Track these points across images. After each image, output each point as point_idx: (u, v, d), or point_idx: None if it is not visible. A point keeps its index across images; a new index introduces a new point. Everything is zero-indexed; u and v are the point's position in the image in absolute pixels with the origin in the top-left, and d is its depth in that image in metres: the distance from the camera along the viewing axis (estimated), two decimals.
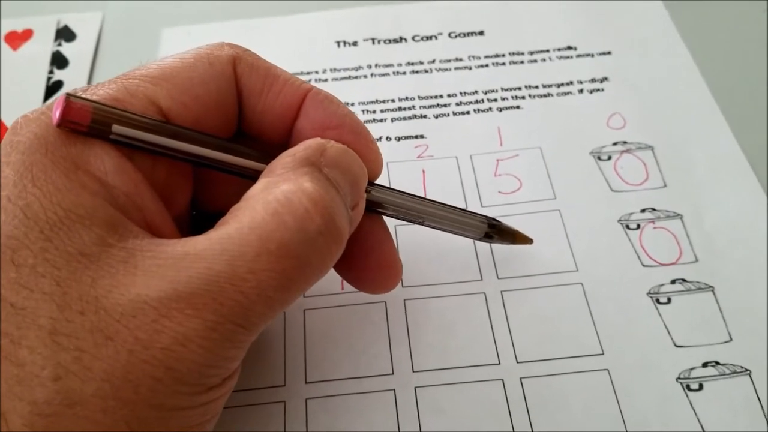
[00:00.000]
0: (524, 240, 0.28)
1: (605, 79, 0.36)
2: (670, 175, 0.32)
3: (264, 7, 0.40)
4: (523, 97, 0.35)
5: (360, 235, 0.23)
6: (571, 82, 0.36)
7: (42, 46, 0.39)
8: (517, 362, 0.26)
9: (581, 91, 0.35)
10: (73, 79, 0.37)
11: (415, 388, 0.26)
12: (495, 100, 0.35)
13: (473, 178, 0.32)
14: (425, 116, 0.35)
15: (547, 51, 0.38)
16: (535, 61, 0.37)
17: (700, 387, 0.26)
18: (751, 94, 0.35)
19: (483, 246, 0.30)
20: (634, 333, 0.27)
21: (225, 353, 0.18)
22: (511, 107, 0.35)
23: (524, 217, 0.30)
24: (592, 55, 0.37)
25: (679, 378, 0.26)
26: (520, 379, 0.26)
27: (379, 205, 0.24)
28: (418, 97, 0.36)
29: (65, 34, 0.40)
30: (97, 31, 0.40)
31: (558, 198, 0.31)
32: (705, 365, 0.26)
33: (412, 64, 0.38)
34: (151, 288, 0.17)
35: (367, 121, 0.35)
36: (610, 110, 0.35)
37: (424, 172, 0.33)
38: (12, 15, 0.41)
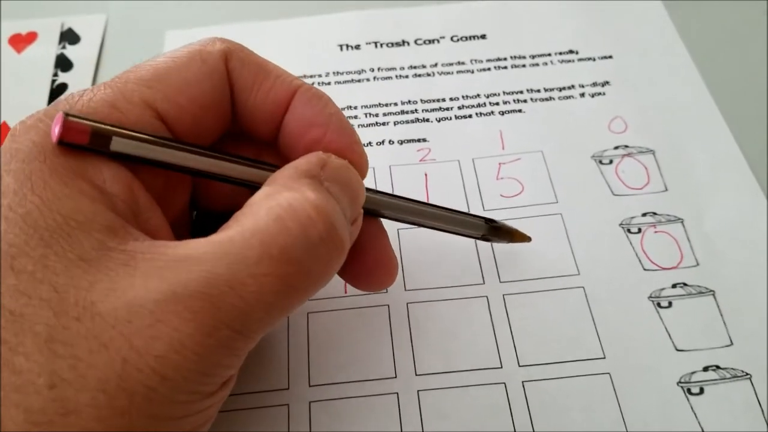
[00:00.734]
0: (522, 238, 0.29)
1: (607, 83, 0.36)
2: (671, 179, 0.32)
3: (267, 10, 0.41)
4: (525, 101, 0.36)
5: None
6: (573, 86, 0.36)
7: (46, 49, 0.39)
8: (519, 366, 0.27)
9: (583, 95, 0.36)
10: (77, 82, 0.37)
11: (417, 391, 0.26)
12: (497, 103, 0.36)
13: (475, 182, 0.32)
14: (427, 120, 0.35)
15: (549, 55, 0.38)
16: (537, 64, 0.37)
17: (701, 391, 0.26)
18: (751, 97, 0.35)
19: (485, 250, 0.30)
20: (636, 337, 0.27)
21: (221, 361, 0.18)
22: (513, 111, 0.35)
23: (526, 221, 0.31)
24: (594, 59, 0.37)
25: (680, 382, 0.26)
26: (522, 382, 0.26)
27: (374, 211, 0.24)
28: (421, 100, 0.36)
29: (69, 36, 0.40)
30: (101, 34, 0.40)
31: (560, 202, 0.31)
32: (706, 369, 0.26)
33: (415, 67, 0.38)
34: (148, 290, 0.17)
35: (369, 125, 0.35)
36: (612, 114, 0.35)
37: (426, 175, 0.33)
38: (16, 17, 0.41)
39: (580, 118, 0.35)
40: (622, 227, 0.30)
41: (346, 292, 0.29)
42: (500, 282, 0.29)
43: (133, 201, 0.19)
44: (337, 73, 0.38)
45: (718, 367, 0.26)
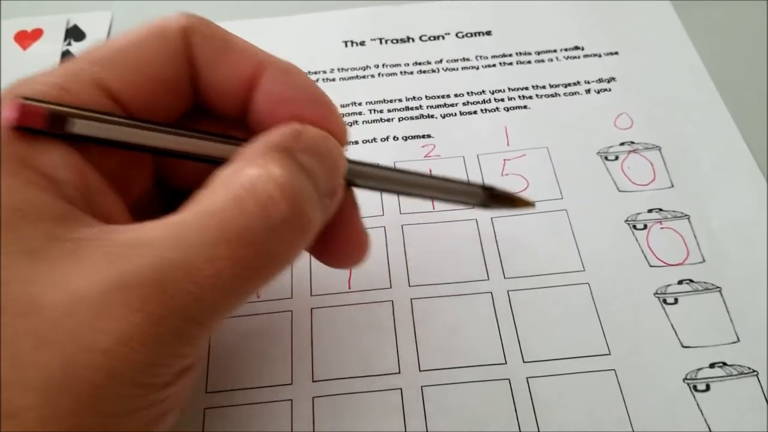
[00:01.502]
0: (524, 204, 0.26)
1: (612, 79, 0.36)
2: (678, 176, 0.32)
3: (272, 7, 0.41)
4: (530, 97, 0.35)
5: None
6: (578, 82, 0.36)
7: (51, 46, 0.39)
8: (524, 362, 0.26)
9: (588, 91, 0.35)
10: None
11: (421, 387, 0.26)
12: (502, 99, 0.35)
13: (480, 178, 0.32)
14: (432, 116, 0.35)
15: (555, 51, 0.38)
16: (542, 60, 0.37)
17: (707, 388, 0.26)
18: (758, 94, 0.35)
19: (490, 245, 0.30)
20: (641, 333, 0.27)
21: (174, 350, 0.17)
22: (519, 107, 0.35)
23: (531, 217, 0.30)
24: (599, 55, 0.37)
25: (686, 379, 0.26)
26: (527, 378, 0.26)
27: (353, 181, 0.23)
28: (426, 96, 0.36)
29: (75, 33, 0.40)
30: (106, 31, 0.40)
31: (565, 198, 0.31)
32: (712, 366, 0.26)
33: (420, 63, 0.38)
34: (94, 280, 0.16)
35: (374, 121, 0.35)
36: (618, 110, 0.34)
37: (431, 171, 0.33)
38: (21, 14, 0.41)
39: (585, 114, 0.34)
40: (628, 223, 0.30)
41: (350, 288, 0.29)
42: (505, 278, 0.29)
43: (84, 186, 0.18)
44: (342, 69, 0.38)
45: (724, 363, 0.26)
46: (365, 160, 0.23)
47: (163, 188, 0.24)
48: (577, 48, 0.38)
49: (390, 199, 0.32)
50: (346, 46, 0.39)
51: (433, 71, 0.37)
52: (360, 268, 0.29)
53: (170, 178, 0.23)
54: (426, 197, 0.25)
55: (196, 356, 0.18)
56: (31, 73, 0.38)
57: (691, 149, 0.33)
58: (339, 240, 0.23)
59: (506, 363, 0.26)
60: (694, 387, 0.26)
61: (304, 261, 0.29)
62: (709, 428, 0.25)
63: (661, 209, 0.30)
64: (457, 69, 0.37)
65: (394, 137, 0.34)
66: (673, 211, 0.30)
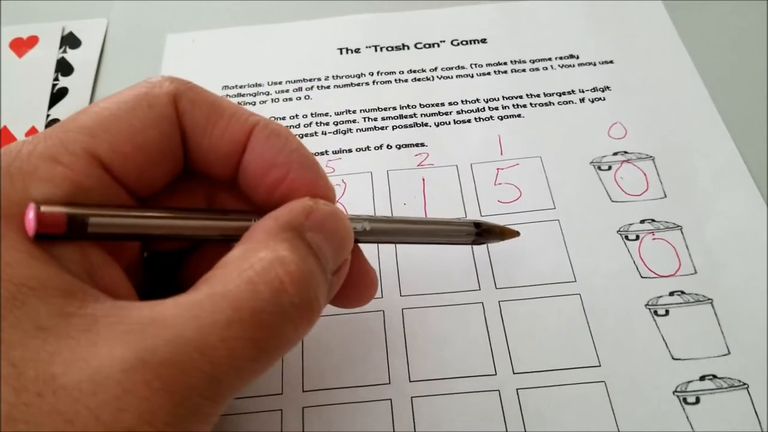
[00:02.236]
0: (512, 234, 0.28)
1: (607, 87, 0.36)
2: (671, 186, 0.32)
3: (268, 14, 0.41)
4: (525, 106, 0.35)
5: None
6: (573, 91, 0.36)
7: (47, 53, 0.39)
8: (514, 373, 0.26)
9: (582, 100, 0.35)
10: (77, 86, 0.38)
11: (411, 398, 0.26)
12: (496, 108, 0.35)
13: (473, 187, 0.32)
14: (426, 124, 0.35)
15: (550, 59, 0.38)
16: (538, 69, 0.37)
17: (697, 400, 0.25)
18: (754, 103, 0.35)
19: (482, 256, 0.30)
20: (632, 345, 0.27)
21: (192, 429, 0.17)
22: (512, 116, 0.35)
23: (523, 227, 0.30)
24: (594, 64, 0.37)
25: (676, 391, 0.26)
26: (517, 390, 0.26)
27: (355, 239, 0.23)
28: (420, 104, 0.36)
29: (70, 40, 0.40)
30: (101, 38, 0.40)
31: (557, 208, 0.31)
32: (702, 378, 0.26)
33: (415, 71, 0.38)
34: (114, 358, 0.16)
35: (368, 129, 0.35)
36: (612, 119, 0.34)
37: (424, 180, 0.33)
38: (17, 22, 0.41)
39: (579, 124, 0.34)
40: (620, 234, 0.30)
41: None
42: (496, 288, 0.29)
43: (86, 259, 0.18)
44: (337, 77, 0.38)
45: (714, 376, 0.26)
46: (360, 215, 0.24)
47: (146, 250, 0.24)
48: (572, 56, 0.38)
49: (381, 205, 0.32)
50: (341, 53, 0.39)
51: (428, 79, 0.37)
52: None
53: (155, 243, 0.23)
54: (423, 243, 0.26)
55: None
56: (27, 80, 0.37)
57: (684, 159, 0.33)
58: (348, 284, 0.23)
59: (496, 374, 0.26)
60: (684, 399, 0.26)
61: None
62: None
63: (653, 220, 0.30)
64: (452, 77, 0.37)
65: (387, 145, 0.34)
66: (666, 222, 0.30)
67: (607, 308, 0.28)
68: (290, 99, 0.37)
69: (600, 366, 0.26)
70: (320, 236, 0.20)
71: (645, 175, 0.32)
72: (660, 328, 0.27)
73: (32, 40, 0.40)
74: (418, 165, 0.33)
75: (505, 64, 0.38)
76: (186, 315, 0.17)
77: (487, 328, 0.28)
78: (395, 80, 0.37)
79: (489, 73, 0.37)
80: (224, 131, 0.21)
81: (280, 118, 0.36)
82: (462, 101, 0.36)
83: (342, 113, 0.36)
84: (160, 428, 0.16)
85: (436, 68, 0.38)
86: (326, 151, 0.34)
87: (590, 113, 0.35)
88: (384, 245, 0.30)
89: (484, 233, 0.27)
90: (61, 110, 0.37)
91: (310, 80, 0.38)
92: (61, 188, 0.18)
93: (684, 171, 0.32)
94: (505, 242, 0.29)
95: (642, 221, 0.30)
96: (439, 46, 0.39)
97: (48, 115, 0.36)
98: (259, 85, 0.37)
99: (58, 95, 0.37)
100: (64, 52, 0.39)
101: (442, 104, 0.36)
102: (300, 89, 0.37)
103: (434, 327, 0.28)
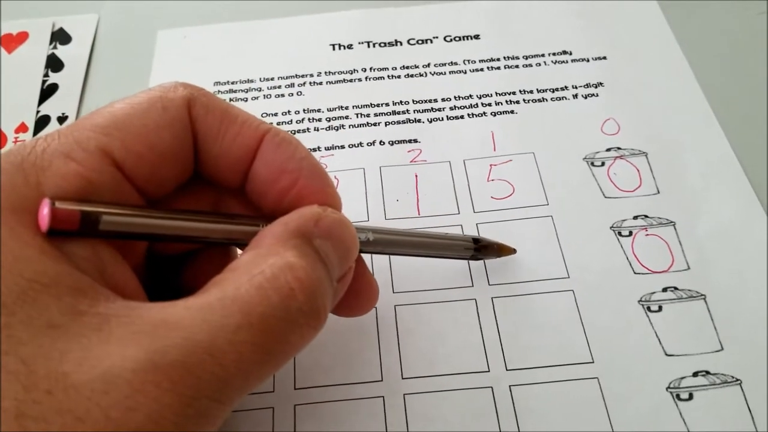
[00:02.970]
0: (508, 251, 0.29)
1: (600, 84, 0.36)
2: (664, 182, 0.32)
3: (259, 10, 0.40)
4: (518, 102, 0.35)
5: None
6: (566, 87, 0.36)
7: (37, 49, 0.39)
8: (507, 370, 0.26)
9: (576, 96, 0.35)
10: (68, 82, 0.37)
11: (404, 395, 0.26)
12: (489, 104, 0.35)
13: (466, 183, 0.32)
14: (419, 120, 0.35)
15: (543, 55, 0.37)
16: (531, 65, 0.37)
17: (690, 397, 0.25)
18: (747, 100, 0.35)
19: None
20: (625, 341, 0.27)
21: (198, 429, 0.17)
22: (506, 112, 0.35)
23: (516, 223, 0.30)
24: (587, 60, 0.37)
25: (669, 387, 0.26)
26: (510, 386, 0.26)
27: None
28: (413, 101, 0.36)
29: (60, 36, 0.40)
30: (92, 34, 0.40)
31: (550, 204, 0.31)
32: (695, 375, 0.26)
33: (407, 67, 0.37)
34: (125, 358, 0.16)
35: (360, 125, 0.35)
36: (605, 115, 0.34)
37: (416, 176, 0.33)
38: (7, 17, 0.41)
39: (572, 120, 0.34)
40: (613, 230, 0.30)
41: None
42: (489, 285, 0.29)
43: (97, 258, 0.18)
44: (329, 72, 0.37)
45: (707, 372, 0.26)
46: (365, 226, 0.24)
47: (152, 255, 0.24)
48: (565, 53, 0.37)
49: (374, 202, 0.32)
50: (334, 49, 0.39)
51: (421, 75, 0.37)
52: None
53: (164, 246, 0.23)
54: (422, 256, 0.27)
55: None
56: (16, 76, 0.36)
57: (677, 155, 0.33)
58: (350, 293, 0.23)
59: (489, 371, 0.26)
60: (677, 396, 0.25)
61: None
62: None
63: (646, 216, 0.30)
64: (445, 73, 0.37)
65: (380, 141, 0.34)
66: (659, 218, 0.30)
67: (600, 304, 0.28)
68: (282, 95, 0.36)
69: (593, 362, 0.26)
70: (328, 243, 0.20)
71: (638, 171, 0.32)
72: (653, 324, 0.27)
73: (22, 36, 0.40)
74: (410, 161, 0.33)
75: (498, 60, 0.38)
76: (196, 318, 0.17)
77: (480, 324, 0.28)
78: (388, 76, 0.37)
79: (482, 69, 0.37)
80: (236, 137, 0.21)
81: (272, 114, 0.35)
82: (455, 97, 0.36)
83: (334, 109, 0.36)
84: (168, 428, 0.16)
85: (429, 64, 0.38)
86: (318, 147, 0.34)
87: (583, 109, 0.35)
88: None
89: (482, 249, 0.28)
90: (51, 106, 0.36)
91: (303, 76, 0.37)
92: (74, 185, 0.18)
93: (677, 167, 0.32)
94: (498, 238, 0.29)
95: (635, 217, 0.30)
96: (432, 42, 0.39)
97: (38, 111, 0.36)
98: (251, 81, 0.37)
99: (48, 91, 0.37)
100: (55, 48, 0.39)
101: (435, 100, 0.36)
102: (292, 85, 0.37)
103: (427, 324, 0.28)
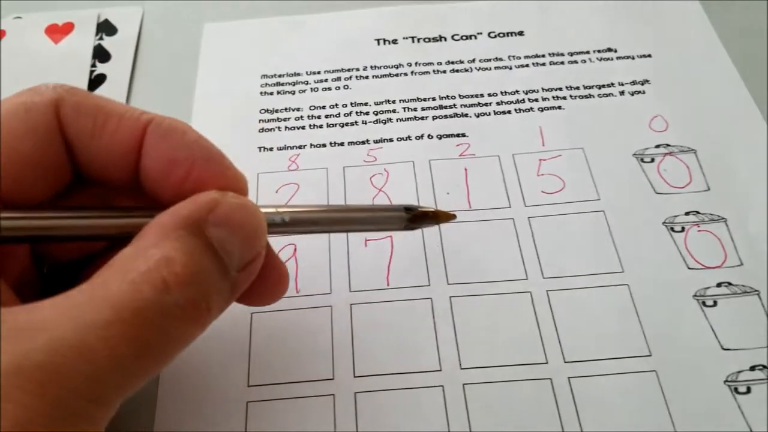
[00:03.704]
0: (447, 217, 0.26)
1: (646, 81, 0.36)
2: (713, 179, 0.32)
3: (305, 5, 0.41)
4: (564, 98, 0.36)
5: None
6: (612, 84, 0.36)
7: (83, 40, 0.39)
8: (565, 362, 0.27)
9: (622, 92, 0.36)
10: (115, 73, 0.37)
11: (463, 385, 0.26)
12: (536, 100, 0.36)
13: (516, 178, 0.32)
14: (466, 115, 0.35)
15: (587, 52, 0.38)
16: (576, 62, 0.37)
17: (748, 390, 0.26)
18: None
19: (527, 245, 0.30)
20: (681, 335, 0.27)
21: (73, 429, 0.16)
22: (553, 107, 0.35)
23: (568, 218, 0.31)
24: (633, 58, 0.37)
25: (726, 381, 0.26)
26: (569, 378, 0.26)
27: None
28: (459, 95, 0.36)
29: (106, 27, 0.40)
30: (137, 25, 0.40)
31: (602, 199, 0.31)
32: (752, 368, 0.26)
33: (452, 62, 0.38)
34: None
35: (408, 119, 0.35)
36: (652, 112, 0.35)
37: (466, 170, 0.33)
38: (48, 8, 0.41)
39: (620, 116, 0.34)
40: (666, 225, 0.30)
41: (388, 284, 0.29)
42: (544, 278, 0.29)
43: None
44: (375, 67, 0.38)
45: (764, 366, 0.26)
46: (280, 205, 0.23)
47: (44, 263, 0.23)
48: (609, 50, 0.38)
49: (425, 195, 0.32)
50: (379, 44, 0.39)
51: (466, 70, 0.37)
52: (399, 267, 0.29)
53: (49, 253, 0.23)
54: (352, 231, 0.26)
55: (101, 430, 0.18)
56: (64, 67, 0.36)
57: (725, 152, 0.33)
58: (258, 281, 0.22)
59: (547, 362, 0.27)
60: (735, 389, 0.26)
61: (342, 257, 0.29)
62: (751, 430, 0.25)
63: (698, 212, 0.31)
64: (490, 68, 0.37)
65: (428, 135, 0.34)
66: (710, 214, 0.31)
67: (656, 299, 0.28)
68: (329, 89, 0.37)
69: (651, 356, 0.27)
70: (224, 231, 0.19)
71: (688, 167, 0.32)
72: (708, 318, 0.27)
73: (67, 27, 0.40)
74: (459, 155, 0.33)
75: (543, 56, 0.38)
76: (63, 316, 0.16)
77: (536, 317, 0.28)
78: (433, 71, 0.37)
79: (527, 65, 0.37)
80: (114, 134, 0.20)
81: (320, 107, 0.36)
82: (501, 92, 0.36)
83: (381, 103, 0.36)
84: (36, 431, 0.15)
85: (474, 60, 0.38)
86: (367, 140, 0.34)
87: (631, 106, 0.35)
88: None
89: (416, 219, 0.25)
90: None
91: (349, 70, 0.38)
92: None
93: (725, 164, 0.32)
94: (550, 232, 0.29)
95: (687, 213, 0.31)
96: (476, 38, 0.39)
97: None
98: (298, 74, 0.37)
99: (96, 81, 0.37)
100: (101, 39, 0.39)
101: (482, 95, 0.36)
102: (338, 79, 0.37)
103: (482, 315, 0.28)
